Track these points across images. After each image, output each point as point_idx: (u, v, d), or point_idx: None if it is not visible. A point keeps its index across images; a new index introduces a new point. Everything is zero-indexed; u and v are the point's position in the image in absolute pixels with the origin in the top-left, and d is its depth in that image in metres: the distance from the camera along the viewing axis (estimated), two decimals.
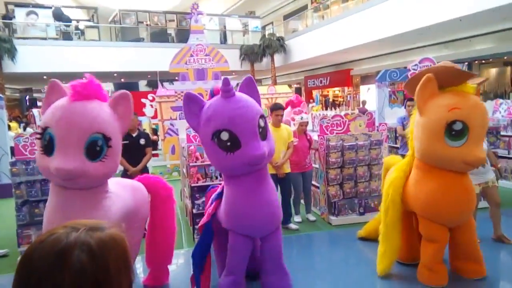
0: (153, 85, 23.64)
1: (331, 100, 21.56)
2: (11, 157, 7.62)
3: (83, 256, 0.71)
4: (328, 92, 22.75)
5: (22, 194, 4.55)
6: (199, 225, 3.58)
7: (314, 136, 5.94)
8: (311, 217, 5.74)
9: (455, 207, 3.33)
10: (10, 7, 17.11)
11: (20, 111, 22.96)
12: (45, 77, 17.41)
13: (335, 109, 16.26)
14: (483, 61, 13.86)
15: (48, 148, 2.55)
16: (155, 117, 11.83)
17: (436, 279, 3.51)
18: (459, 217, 3.42)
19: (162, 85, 12.01)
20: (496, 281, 3.76)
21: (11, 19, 16.57)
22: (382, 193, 3.88)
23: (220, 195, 3.46)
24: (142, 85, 25.41)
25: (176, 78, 8.75)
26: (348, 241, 4.94)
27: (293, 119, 6.00)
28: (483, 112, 3.17)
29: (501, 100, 7.97)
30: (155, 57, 16.16)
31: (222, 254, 3.55)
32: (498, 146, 6.29)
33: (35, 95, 25.07)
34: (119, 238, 0.79)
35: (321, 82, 22.25)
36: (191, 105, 3.14)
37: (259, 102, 3.24)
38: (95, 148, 2.58)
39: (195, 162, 5.04)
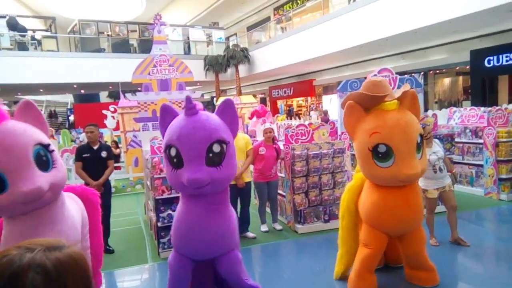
0: (114, 96, 23.14)
1: (295, 110, 21.87)
2: None
3: (38, 279, 0.66)
4: (292, 102, 23.09)
5: None
6: None
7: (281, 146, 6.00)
8: (278, 226, 5.76)
9: (394, 217, 3.41)
10: None
11: None
12: None
13: (299, 119, 16.52)
14: (437, 71, 14.56)
15: None
16: (117, 129, 11.55)
17: (363, 287, 3.58)
18: (399, 226, 3.51)
19: (125, 96, 11.75)
20: (452, 285, 3.88)
21: None
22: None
23: None
24: (104, 97, 24.78)
25: (139, 88, 8.57)
26: (314, 248, 5.00)
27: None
28: (404, 129, 3.19)
29: (454, 108, 8.39)
30: (116, 68, 15.83)
31: None
32: (453, 152, 6.59)
33: None
34: (79, 257, 0.74)
35: (285, 92, 22.55)
36: (165, 116, 3.24)
37: (233, 125, 3.18)
38: (43, 158, 2.52)
39: (159, 174, 4.95)
